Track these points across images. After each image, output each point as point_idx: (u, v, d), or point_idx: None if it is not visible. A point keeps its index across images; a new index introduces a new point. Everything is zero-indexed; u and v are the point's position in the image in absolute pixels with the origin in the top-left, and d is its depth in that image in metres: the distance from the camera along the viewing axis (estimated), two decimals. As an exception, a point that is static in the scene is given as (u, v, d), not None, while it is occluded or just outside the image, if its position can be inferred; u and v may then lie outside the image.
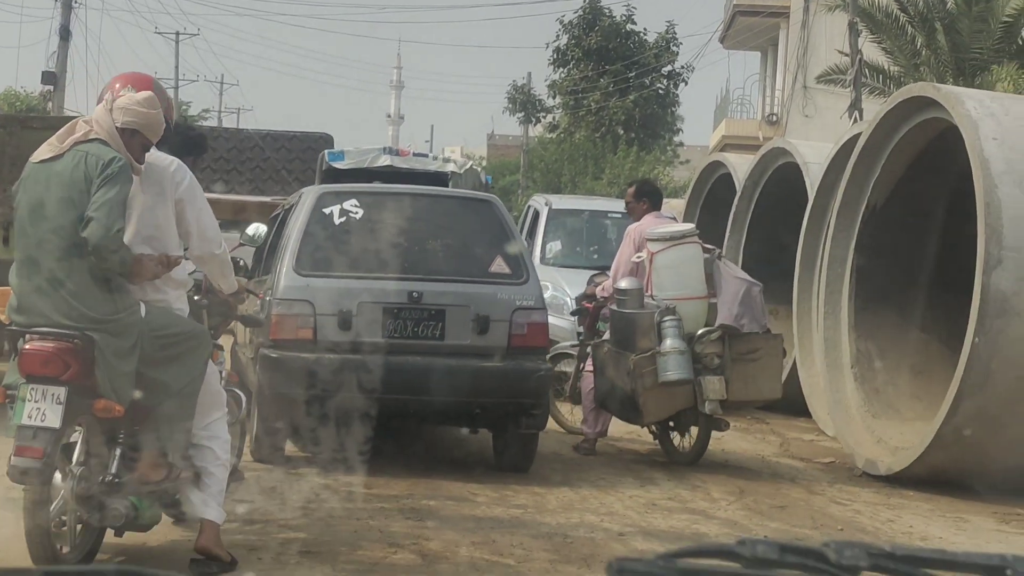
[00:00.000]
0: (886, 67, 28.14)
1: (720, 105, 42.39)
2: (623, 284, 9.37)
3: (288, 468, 8.27)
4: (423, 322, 8.55)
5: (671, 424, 9.65)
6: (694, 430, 9.56)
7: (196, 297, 6.34)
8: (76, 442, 5.48)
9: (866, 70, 28.48)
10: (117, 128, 5.52)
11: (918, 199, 10.56)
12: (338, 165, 16.34)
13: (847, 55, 28.55)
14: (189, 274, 6.15)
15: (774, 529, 7.51)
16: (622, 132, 46.22)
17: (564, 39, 47.57)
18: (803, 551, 1.44)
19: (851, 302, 10.76)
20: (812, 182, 12.99)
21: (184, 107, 63.02)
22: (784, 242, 14.55)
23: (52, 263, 5.34)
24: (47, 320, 5.33)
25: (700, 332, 9.23)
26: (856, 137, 11.91)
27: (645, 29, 47.97)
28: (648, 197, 10.08)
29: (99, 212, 5.27)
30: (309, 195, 9.13)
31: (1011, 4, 25.70)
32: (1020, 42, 26.08)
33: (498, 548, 6.52)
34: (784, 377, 12.47)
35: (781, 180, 14.48)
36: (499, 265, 8.89)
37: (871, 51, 28.34)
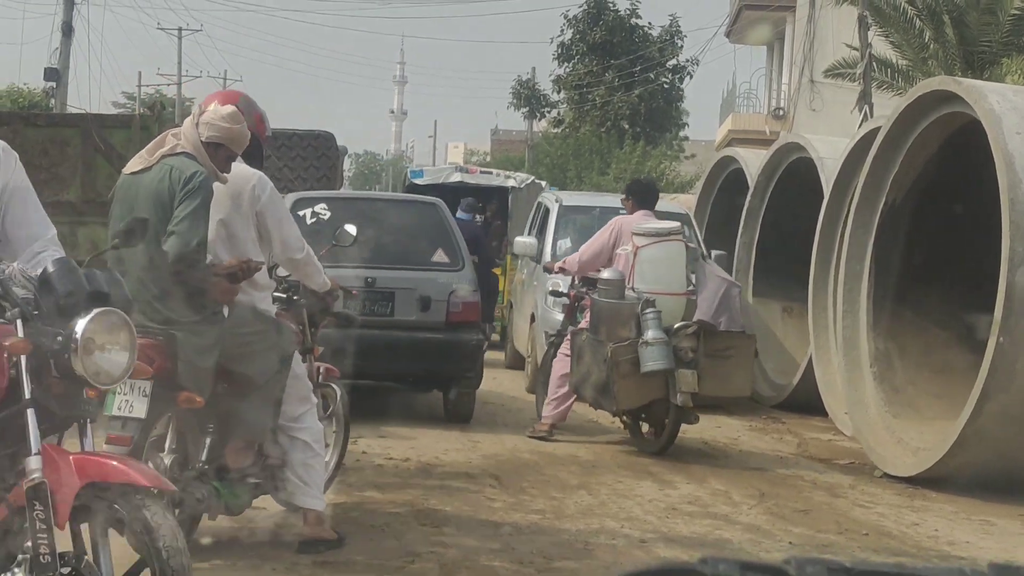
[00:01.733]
0: (894, 61, 27.96)
1: (726, 99, 42.15)
2: (606, 275, 9.70)
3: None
4: (377, 302, 10.41)
5: (642, 415, 9.92)
6: (664, 420, 9.80)
7: (295, 297, 6.84)
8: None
9: (874, 64, 28.26)
10: (202, 142, 5.86)
11: (938, 194, 10.38)
12: (418, 181, 19.18)
13: (855, 49, 28.31)
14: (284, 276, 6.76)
15: (798, 535, 7.34)
16: (627, 127, 46.00)
17: (568, 34, 47.40)
18: (765, 568, 1.51)
19: (870, 300, 10.56)
20: (827, 178, 12.79)
21: (187, 104, 62.91)
22: (798, 238, 14.38)
23: (139, 270, 5.67)
24: (135, 322, 5.47)
25: (677, 326, 9.49)
26: (873, 132, 11.72)
27: (650, 23, 47.81)
28: (632, 195, 10.63)
29: (180, 226, 5.62)
30: (287, 200, 10.49)
31: (1020, -4, 25.53)
32: None
33: (518, 556, 6.35)
34: (768, 375, 12.46)
35: (794, 175, 14.29)
36: (440, 255, 10.75)
37: (879, 45, 28.10)
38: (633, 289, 9.60)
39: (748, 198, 14.91)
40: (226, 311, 5.85)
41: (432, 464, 8.84)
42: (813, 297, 12.60)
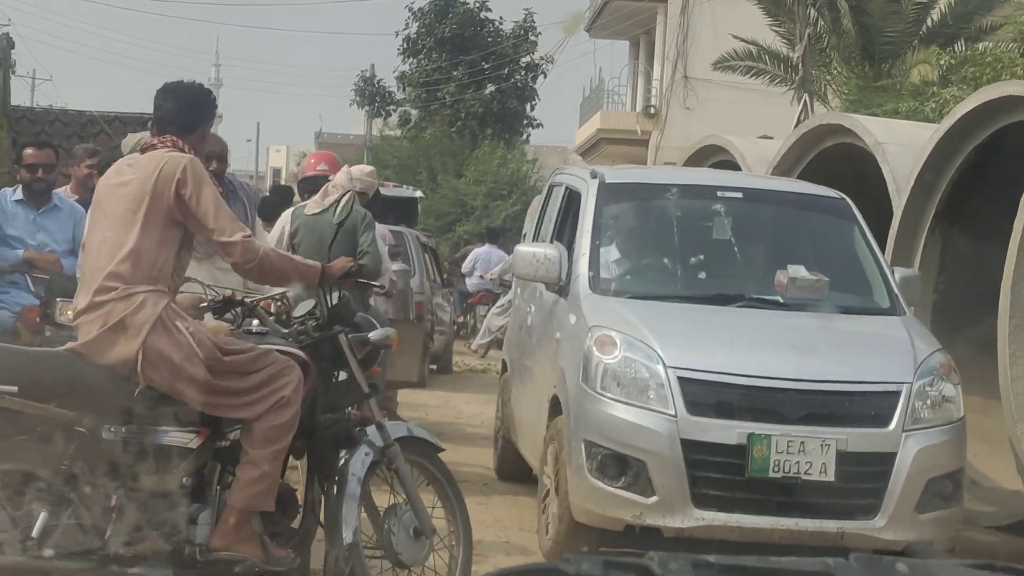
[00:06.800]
0: (785, 53, 25.72)
1: (589, 98, 39.46)
2: None
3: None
4: None
5: None
6: None
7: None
8: None
9: (765, 57, 26.18)
10: (356, 191, 8.49)
11: None
12: None
13: (743, 40, 25.98)
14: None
15: None
16: (477, 127, 42.96)
17: (414, 27, 44.26)
18: (628, 566, 1.60)
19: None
20: (893, 169, 9.84)
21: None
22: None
23: None
24: None
25: None
26: (979, 111, 8.84)
27: (501, 17, 45.00)
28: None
29: (372, 248, 8.16)
30: None
31: (927, -17, 23.61)
32: (930, 24, 23.95)
33: None
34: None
35: (822, 166, 11.33)
36: None
37: (768, 36, 25.91)
38: None
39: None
40: None
41: None
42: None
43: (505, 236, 25.00)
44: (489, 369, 18.07)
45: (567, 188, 9.05)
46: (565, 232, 8.71)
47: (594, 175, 8.33)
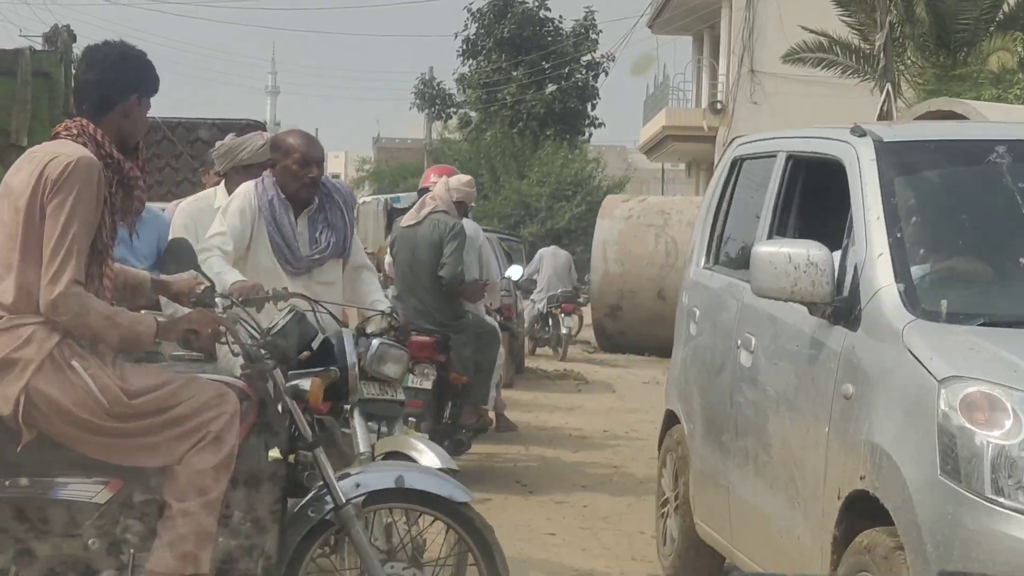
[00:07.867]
0: (857, 44, 25.04)
1: (653, 95, 38.79)
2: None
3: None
4: None
5: None
6: None
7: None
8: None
9: (837, 48, 25.44)
10: (453, 201, 8.92)
11: None
12: (398, 206, 21.77)
13: (814, 32, 25.29)
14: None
15: None
16: (538, 127, 42.39)
17: (473, 28, 43.76)
18: None
19: None
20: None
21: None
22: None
23: (422, 291, 8.83)
24: (419, 326, 8.31)
25: None
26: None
27: (560, 16, 44.35)
28: None
29: (449, 260, 8.74)
30: None
31: (1005, -31, 22.88)
32: (1006, 9, 23.22)
33: None
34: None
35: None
36: None
37: (840, 28, 25.19)
38: None
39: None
40: (470, 316, 9.01)
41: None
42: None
43: (570, 237, 24.81)
44: (567, 375, 17.58)
45: (790, 157, 5.84)
46: (790, 224, 5.77)
47: (861, 132, 5.20)
